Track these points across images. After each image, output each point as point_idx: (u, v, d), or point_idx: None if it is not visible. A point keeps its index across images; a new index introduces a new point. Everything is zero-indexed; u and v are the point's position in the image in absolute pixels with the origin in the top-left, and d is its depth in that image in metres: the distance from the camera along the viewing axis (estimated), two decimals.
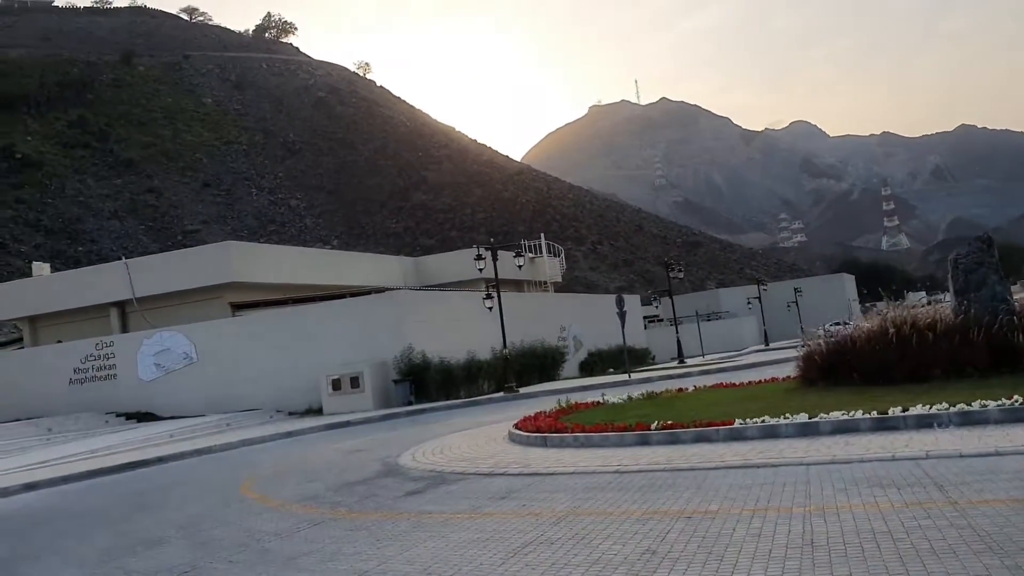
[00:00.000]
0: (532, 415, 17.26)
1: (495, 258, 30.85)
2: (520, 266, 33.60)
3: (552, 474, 11.38)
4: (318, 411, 30.20)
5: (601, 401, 18.88)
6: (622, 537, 7.32)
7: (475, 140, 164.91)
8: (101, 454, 22.61)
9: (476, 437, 17.55)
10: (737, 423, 12.44)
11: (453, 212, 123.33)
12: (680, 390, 20.11)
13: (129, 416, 32.05)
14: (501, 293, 32.15)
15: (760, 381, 20.32)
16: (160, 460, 20.76)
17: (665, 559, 6.49)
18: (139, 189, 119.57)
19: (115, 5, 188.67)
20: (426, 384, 29.54)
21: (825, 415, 11.98)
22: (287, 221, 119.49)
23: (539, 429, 15.17)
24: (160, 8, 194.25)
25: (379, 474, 14.09)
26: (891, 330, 15.22)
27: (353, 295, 33.29)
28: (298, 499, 12.36)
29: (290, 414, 30.58)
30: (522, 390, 30.21)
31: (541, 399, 27.55)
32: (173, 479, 17.36)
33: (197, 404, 31.93)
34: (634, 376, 31.61)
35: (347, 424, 25.47)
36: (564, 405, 18.37)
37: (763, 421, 12.31)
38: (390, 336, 30.15)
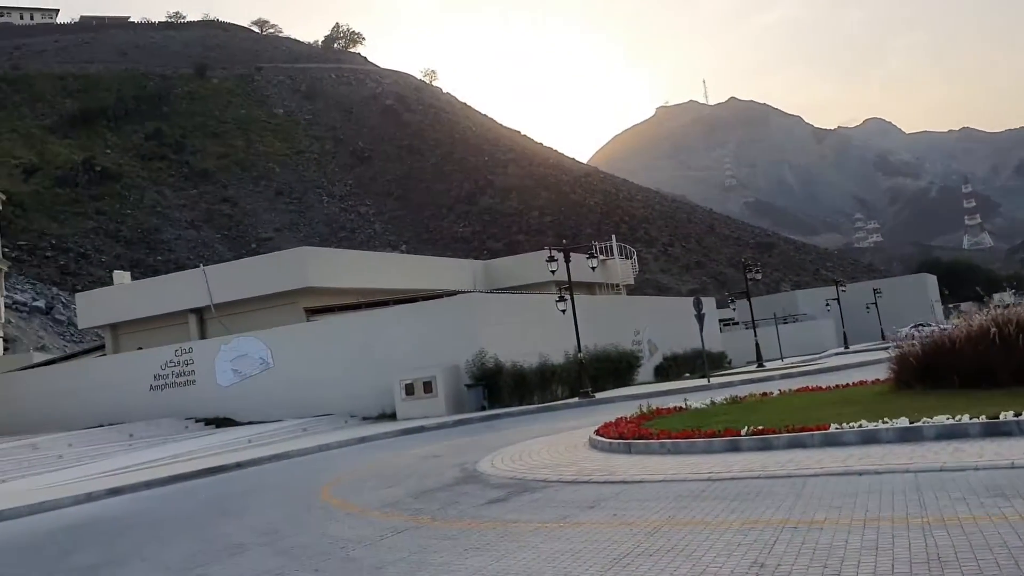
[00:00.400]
0: (613, 421, 16.84)
1: (567, 260, 30.45)
2: (594, 268, 33.17)
3: (640, 482, 10.97)
4: (391, 416, 30.20)
5: (683, 406, 18.32)
6: (725, 548, 6.90)
7: (541, 143, 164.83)
8: (182, 459, 22.89)
9: (555, 443, 17.21)
10: (833, 428, 11.86)
11: (520, 215, 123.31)
12: (764, 394, 19.43)
13: (208, 421, 32.52)
14: (574, 296, 31.77)
15: (848, 385, 19.58)
16: (239, 465, 20.90)
17: (776, 573, 6.05)
18: (214, 199, 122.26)
19: (188, 19, 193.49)
20: (499, 389, 29.30)
21: (928, 419, 11.32)
22: (357, 227, 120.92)
23: (622, 435, 14.74)
24: (232, 21, 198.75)
25: (459, 481, 13.85)
26: (993, 330, 14.41)
27: (425, 299, 33.25)
28: (379, 505, 12.19)
29: (364, 419, 30.65)
30: (598, 395, 29.78)
31: (618, 404, 27.07)
32: (253, 484, 17.41)
33: (273, 409, 32.22)
34: (713, 380, 30.90)
35: (421, 429, 25.36)
36: (645, 411, 17.88)
37: (860, 426, 11.71)
38: (462, 340, 29.99)
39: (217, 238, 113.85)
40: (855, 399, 15.72)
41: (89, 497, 17.67)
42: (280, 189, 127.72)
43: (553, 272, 30.41)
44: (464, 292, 34.34)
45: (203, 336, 36.84)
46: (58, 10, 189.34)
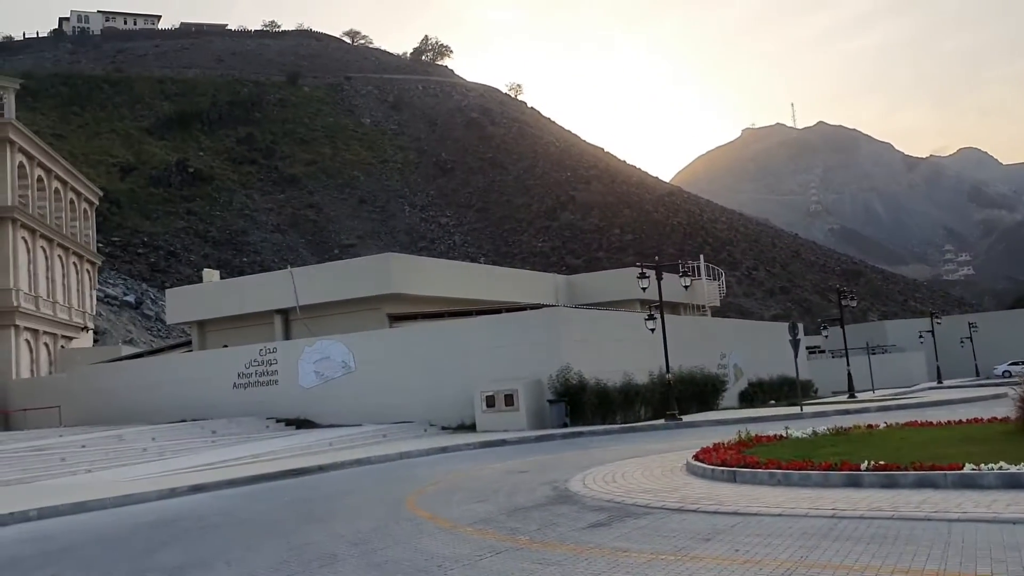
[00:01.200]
0: (710, 446, 15.99)
1: (659, 278, 29.59)
2: (687, 286, 32.26)
3: (756, 515, 10.15)
4: (470, 427, 29.74)
5: (783, 435, 17.35)
6: None
7: (624, 161, 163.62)
8: (264, 459, 22.77)
9: (648, 466, 16.47)
10: (968, 468, 10.85)
11: (601, 232, 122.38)
12: (870, 427, 18.32)
13: (288, 422, 32.54)
14: (654, 317, 30.90)
15: (961, 422, 18.31)
16: (321, 469, 20.62)
17: None
18: (300, 204, 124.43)
19: (283, 29, 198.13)
20: (581, 406, 28.57)
21: None
22: (437, 238, 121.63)
23: (724, 462, 13.91)
24: (325, 32, 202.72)
25: (551, 500, 13.22)
26: None
27: (508, 311, 32.76)
28: (471, 521, 11.62)
29: (443, 428, 30.25)
30: (684, 418, 28.77)
31: (706, 429, 26.10)
32: (337, 489, 17.05)
33: (352, 413, 32.08)
34: (806, 409, 29.58)
35: (502, 443, 24.80)
36: (744, 437, 16.97)
37: (1000, 467, 10.67)
38: (545, 354, 29.38)
39: (301, 242, 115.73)
40: (979, 437, 14.58)
41: (173, 492, 17.57)
42: (363, 197, 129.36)
43: (644, 289, 29.54)
44: (549, 306, 33.74)
45: (287, 337, 37.01)
46: (160, 16, 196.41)
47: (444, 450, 23.77)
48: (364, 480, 18.51)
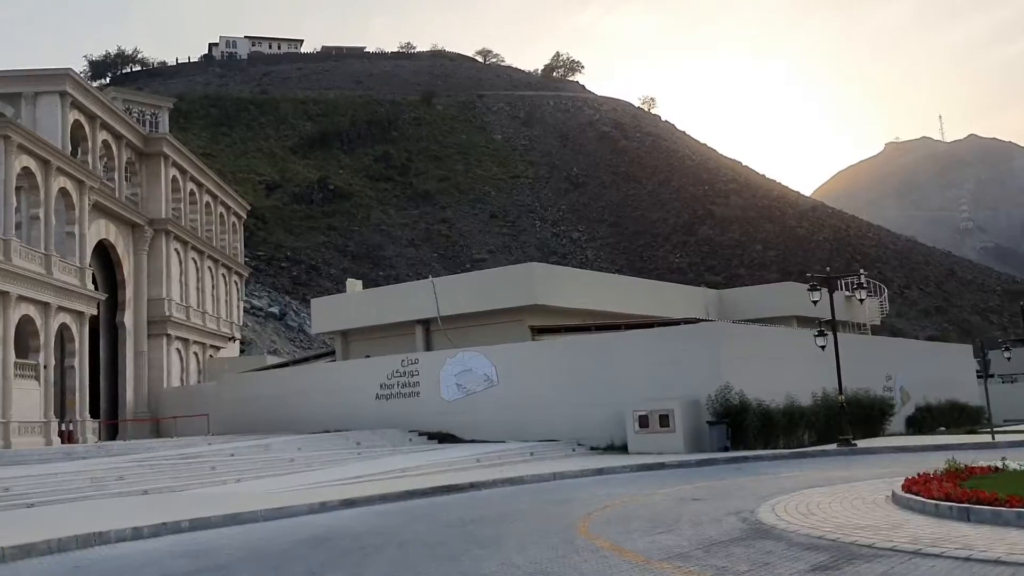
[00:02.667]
0: (917, 477, 13.98)
1: (831, 291, 27.27)
2: (862, 300, 29.90)
3: None
4: (620, 448, 28.15)
5: (1000, 467, 15.14)
6: None
7: (763, 175, 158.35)
8: (411, 473, 21.88)
9: (841, 496, 14.62)
10: None
11: (741, 248, 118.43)
12: None
13: (431, 435, 31.79)
14: (825, 333, 28.58)
15: None
16: (473, 486, 19.52)
17: None
18: (433, 219, 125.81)
19: (418, 50, 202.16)
20: (744, 429, 26.54)
21: None
22: (569, 253, 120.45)
23: (949, 496, 11.94)
24: (458, 51, 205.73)
25: (747, 533, 11.59)
26: None
27: (660, 325, 31.05)
28: (664, 556, 10.14)
29: (592, 448, 28.76)
30: (859, 443, 26.34)
31: (886, 457, 23.73)
32: (496, 510, 15.83)
33: (495, 429, 31.03)
34: (998, 438, 26.62)
35: (661, 466, 23.12)
36: (954, 468, 14.82)
37: None
38: (702, 372, 27.51)
39: (434, 257, 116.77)
40: None
41: (324, 506, 16.77)
42: (495, 212, 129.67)
43: (815, 303, 27.27)
44: (705, 320, 31.83)
45: (428, 348, 36.41)
46: (302, 41, 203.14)
47: (600, 472, 22.30)
48: (521, 501, 17.25)
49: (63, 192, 37.87)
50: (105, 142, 45.01)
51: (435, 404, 32.88)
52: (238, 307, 64.54)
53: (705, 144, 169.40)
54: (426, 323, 36.63)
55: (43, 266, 34.72)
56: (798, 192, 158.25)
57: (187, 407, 43.26)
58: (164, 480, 21.11)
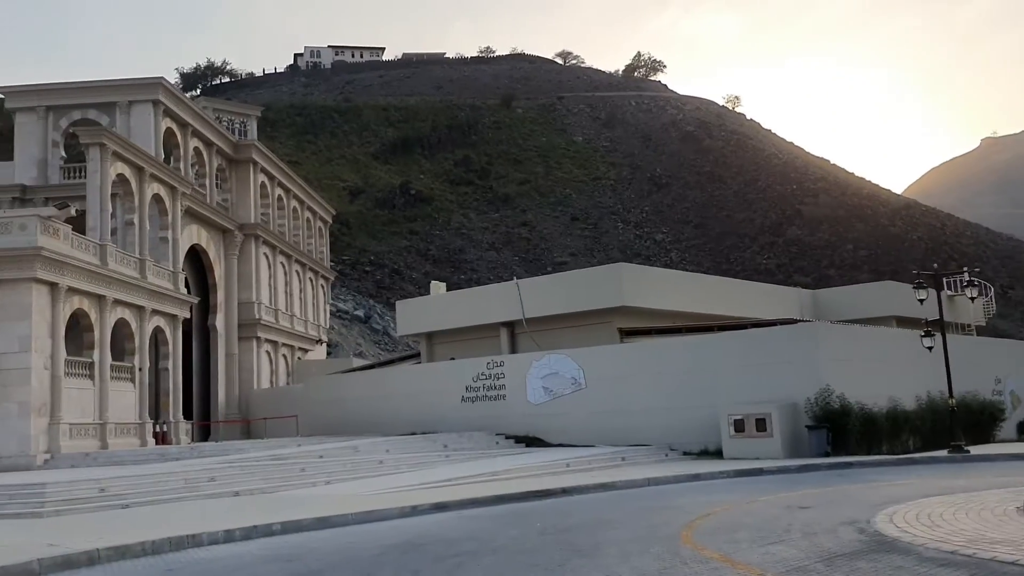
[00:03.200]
0: None
1: (939, 290, 25.84)
2: (972, 298, 28.27)
3: None
4: (714, 453, 27.20)
5: None
6: None
7: (853, 173, 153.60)
8: (501, 477, 21.43)
9: (965, 506, 13.63)
10: None
11: (832, 248, 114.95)
12: None
13: (518, 439, 31.34)
14: (932, 333, 27.11)
15: None
16: (565, 491, 18.96)
17: None
18: (514, 223, 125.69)
19: (497, 54, 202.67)
20: (845, 433, 25.32)
21: None
22: (652, 255, 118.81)
23: None
24: (537, 54, 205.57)
25: (867, 546, 10.78)
26: None
27: (754, 326, 29.96)
28: (780, 569, 9.45)
29: (684, 453, 27.88)
30: (971, 450, 24.87)
31: (1003, 464, 22.33)
32: (592, 517, 15.23)
33: (582, 433, 30.40)
34: None
35: (759, 472, 22.17)
36: None
37: None
38: (800, 375, 26.37)
39: (515, 260, 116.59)
40: None
41: (415, 510, 16.43)
42: (576, 215, 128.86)
43: (922, 301, 25.84)
44: (803, 321, 30.60)
45: (513, 350, 35.99)
46: (384, 49, 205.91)
47: (696, 477, 21.48)
48: (616, 507, 16.61)
49: (156, 198, 38.72)
50: (196, 149, 45.96)
51: (521, 407, 32.41)
52: (324, 310, 65.35)
53: (792, 143, 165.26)
54: (511, 325, 36.22)
55: (138, 270, 35.50)
56: (889, 190, 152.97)
57: (276, 408, 43.82)
58: (255, 481, 21.13)
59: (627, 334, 32.81)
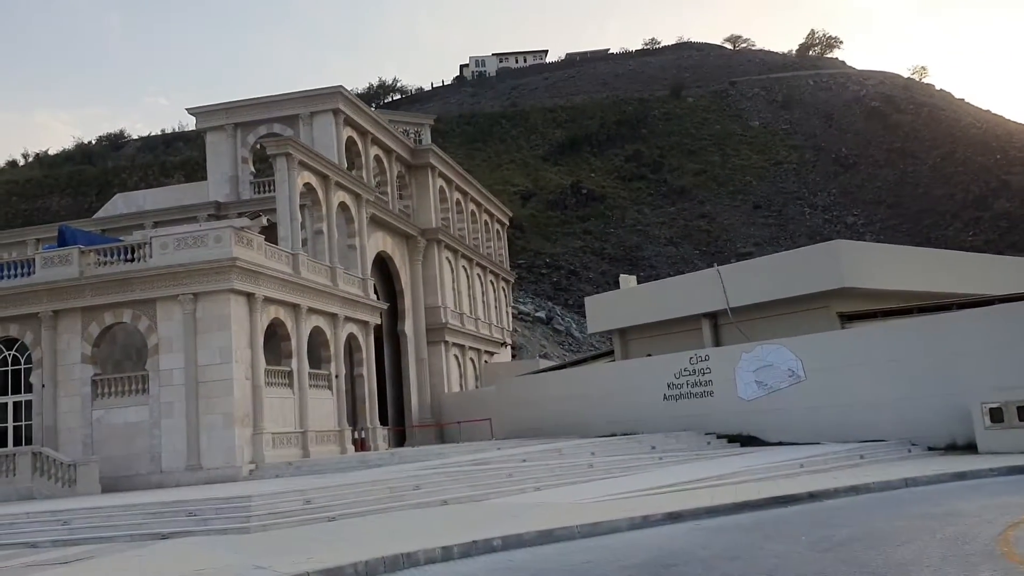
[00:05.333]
0: None
1: None
2: None
3: None
4: (964, 447, 23.70)
5: None
6: None
7: None
8: (729, 481, 19.09)
9: None
10: None
11: None
12: None
13: (730, 439, 28.77)
14: None
15: None
16: (812, 497, 16.45)
17: None
18: (692, 215, 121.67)
19: (663, 44, 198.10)
20: None
21: None
22: (844, 239, 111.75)
23: None
24: (705, 41, 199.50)
25: None
26: None
27: (1000, 302, 26.07)
28: None
29: (929, 448, 24.46)
30: None
31: None
32: (861, 527, 12.70)
33: (803, 429, 27.44)
34: None
35: None
36: None
37: None
38: None
39: (695, 254, 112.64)
40: None
41: (646, 520, 14.47)
42: (758, 203, 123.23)
43: None
44: None
45: (717, 343, 33.37)
46: (547, 51, 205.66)
47: (961, 476, 18.35)
48: (886, 515, 13.97)
49: (342, 206, 38.73)
50: (376, 157, 46.02)
51: (731, 403, 29.75)
52: (507, 313, 64.64)
53: (988, 111, 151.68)
54: (713, 316, 33.59)
55: (329, 278, 35.45)
56: None
57: (468, 412, 43.05)
58: (462, 489, 19.80)
59: (848, 319, 29.53)
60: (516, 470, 21.83)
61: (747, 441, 28.53)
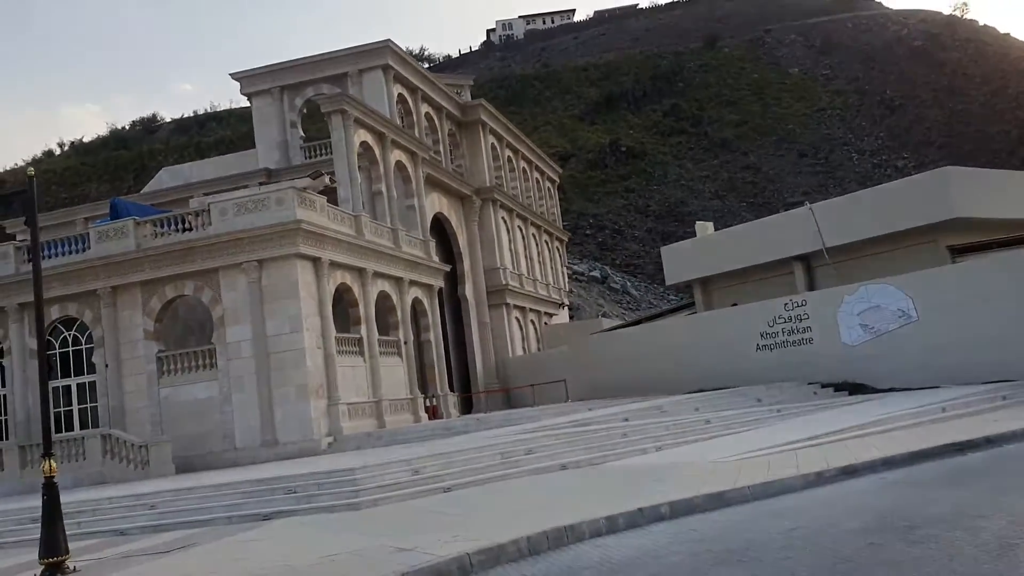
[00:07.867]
0: None
1: None
2: None
3: None
4: None
5: None
6: None
7: None
8: (872, 431, 17.19)
9: None
10: None
11: None
12: None
13: (837, 387, 26.73)
14: None
15: None
16: (989, 442, 14.48)
17: None
18: (736, 167, 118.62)
19: None
20: None
21: None
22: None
23: None
24: None
25: None
26: None
27: None
28: None
29: None
30: None
31: None
32: None
33: (918, 373, 25.29)
34: None
35: None
36: None
37: None
38: None
39: (742, 206, 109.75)
40: None
41: (820, 477, 12.63)
42: (803, 151, 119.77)
43: None
44: None
45: (810, 287, 31.25)
46: (574, 10, 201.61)
47: None
48: None
49: (399, 166, 36.95)
50: (427, 115, 44.09)
51: (833, 349, 27.67)
52: (563, 273, 62.78)
53: None
54: (805, 259, 31.45)
55: (392, 240, 33.76)
56: None
57: (536, 374, 41.32)
58: (577, 452, 18.04)
59: (959, 252, 27.27)
60: (629, 429, 20.03)
61: (854, 389, 26.48)
